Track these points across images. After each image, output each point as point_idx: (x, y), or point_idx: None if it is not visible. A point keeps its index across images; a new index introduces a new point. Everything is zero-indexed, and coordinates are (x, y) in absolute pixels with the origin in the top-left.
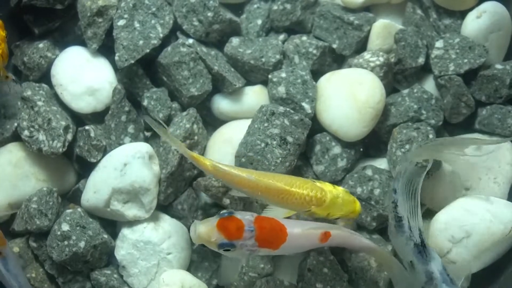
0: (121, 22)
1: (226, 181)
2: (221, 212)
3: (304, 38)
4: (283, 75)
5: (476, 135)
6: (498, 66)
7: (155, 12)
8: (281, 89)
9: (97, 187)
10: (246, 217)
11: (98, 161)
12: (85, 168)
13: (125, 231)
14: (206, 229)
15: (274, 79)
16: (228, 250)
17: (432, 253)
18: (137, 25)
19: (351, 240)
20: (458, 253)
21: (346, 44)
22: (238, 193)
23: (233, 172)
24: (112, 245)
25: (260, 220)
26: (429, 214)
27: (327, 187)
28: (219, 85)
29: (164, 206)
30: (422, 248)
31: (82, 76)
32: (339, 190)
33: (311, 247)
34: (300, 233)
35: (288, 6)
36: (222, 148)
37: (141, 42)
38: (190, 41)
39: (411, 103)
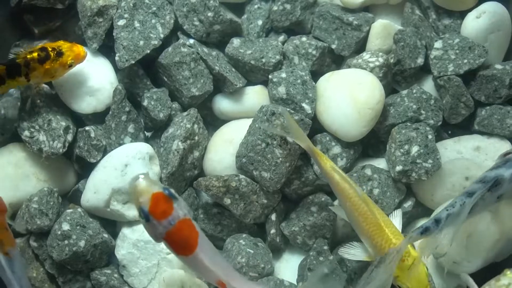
0: (121, 22)
1: (331, 183)
2: (167, 188)
3: (304, 39)
4: (283, 75)
5: (475, 136)
6: (498, 66)
7: (155, 11)
8: (282, 90)
9: (97, 187)
10: (178, 211)
11: (98, 161)
12: (85, 168)
13: (125, 231)
14: (142, 188)
15: (274, 80)
16: (143, 218)
17: None
18: (137, 24)
19: None
20: (458, 253)
21: (345, 44)
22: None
23: (340, 177)
24: (112, 245)
25: (183, 224)
26: (429, 213)
27: (414, 255)
28: (220, 85)
29: None
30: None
31: (82, 76)
32: (423, 269)
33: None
34: (202, 264)
35: (288, 6)
36: (223, 148)
37: (141, 42)
38: (191, 41)
39: (410, 103)
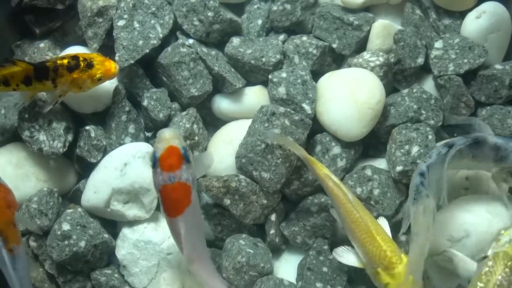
0: (121, 22)
1: (325, 190)
2: (187, 148)
3: (304, 38)
4: (283, 75)
5: None
6: (498, 67)
7: (154, 12)
8: (282, 90)
9: (98, 187)
10: (183, 173)
11: (99, 161)
12: (86, 168)
13: (126, 231)
14: (165, 136)
15: (274, 79)
16: (151, 162)
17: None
18: (136, 25)
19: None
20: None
21: (345, 44)
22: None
23: (334, 184)
24: (112, 245)
25: (181, 186)
26: None
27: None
28: (219, 86)
29: None
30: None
31: None
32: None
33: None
34: (178, 232)
35: (288, 6)
36: (223, 149)
37: (140, 42)
38: (190, 41)
39: (411, 103)
